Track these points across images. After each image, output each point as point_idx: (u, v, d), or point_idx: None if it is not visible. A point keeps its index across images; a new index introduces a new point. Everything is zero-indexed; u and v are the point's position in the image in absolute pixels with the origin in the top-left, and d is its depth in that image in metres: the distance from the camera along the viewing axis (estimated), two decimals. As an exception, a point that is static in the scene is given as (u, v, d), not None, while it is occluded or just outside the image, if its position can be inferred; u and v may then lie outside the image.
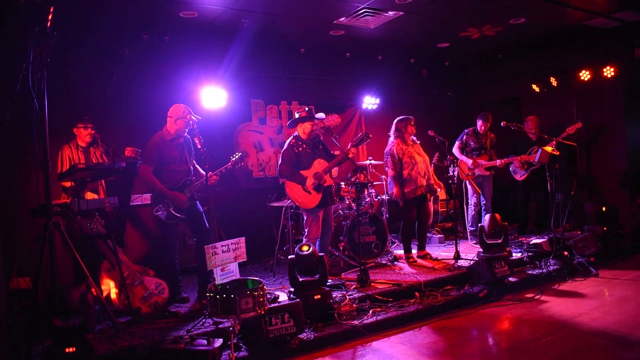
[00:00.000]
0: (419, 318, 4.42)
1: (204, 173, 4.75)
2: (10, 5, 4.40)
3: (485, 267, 5.08)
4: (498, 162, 6.95)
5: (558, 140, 6.55)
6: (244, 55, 6.42)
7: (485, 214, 6.93)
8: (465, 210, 7.22)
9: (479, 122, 7.03)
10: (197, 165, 4.88)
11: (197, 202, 4.74)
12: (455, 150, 7.08)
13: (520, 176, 7.21)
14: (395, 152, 5.75)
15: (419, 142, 5.95)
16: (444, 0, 5.48)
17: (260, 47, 6.68)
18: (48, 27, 3.39)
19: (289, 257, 4.47)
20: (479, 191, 6.84)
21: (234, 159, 4.79)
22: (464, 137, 7.13)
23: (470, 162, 6.92)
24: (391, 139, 5.89)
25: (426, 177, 5.78)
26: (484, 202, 7.01)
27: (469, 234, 7.17)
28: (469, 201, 7.12)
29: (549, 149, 5.99)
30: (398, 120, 5.86)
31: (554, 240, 5.97)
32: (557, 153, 5.95)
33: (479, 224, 5.86)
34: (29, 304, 3.68)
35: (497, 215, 5.78)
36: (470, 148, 7.11)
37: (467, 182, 6.97)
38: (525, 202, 7.58)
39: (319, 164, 5.18)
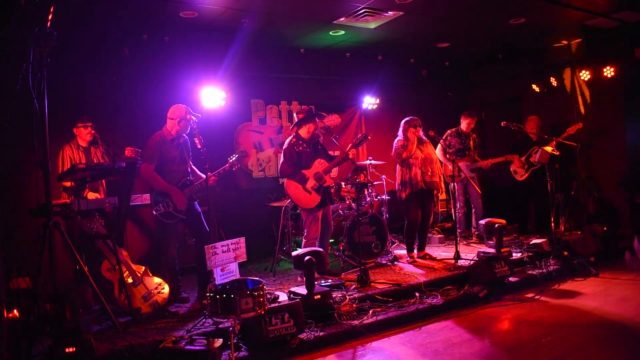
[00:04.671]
0: (419, 318, 4.42)
1: (201, 174, 4.77)
2: (10, 5, 4.40)
3: (485, 267, 5.08)
4: (483, 163, 6.88)
5: (558, 140, 6.55)
6: (244, 55, 6.42)
7: (475, 216, 6.90)
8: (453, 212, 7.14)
9: (466, 121, 6.95)
10: (194, 167, 4.89)
11: (196, 202, 4.75)
12: (439, 152, 6.71)
13: (520, 176, 7.20)
14: (396, 146, 5.82)
15: (426, 139, 5.93)
16: (444, 0, 5.48)
17: (260, 47, 6.68)
18: (48, 27, 3.39)
19: (293, 253, 4.49)
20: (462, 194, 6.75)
21: (231, 160, 4.80)
22: (447, 139, 6.99)
23: (449, 165, 6.54)
24: (399, 136, 5.91)
25: (429, 174, 5.75)
26: (473, 204, 6.94)
27: (458, 236, 7.07)
28: (456, 204, 7.01)
29: (549, 149, 5.99)
30: (404, 121, 5.89)
31: (554, 240, 5.97)
32: (557, 153, 5.95)
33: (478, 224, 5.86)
34: (29, 304, 3.67)
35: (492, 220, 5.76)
36: (453, 149, 6.95)
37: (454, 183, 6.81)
38: (525, 202, 7.57)
39: (320, 164, 5.19)
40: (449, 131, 7.10)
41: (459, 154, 6.96)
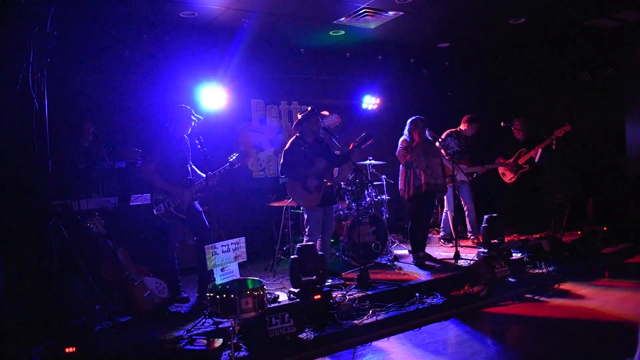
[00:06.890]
0: (419, 318, 4.41)
1: (202, 174, 4.77)
2: (10, 5, 4.40)
3: (485, 267, 5.08)
4: (479, 168, 6.70)
5: (552, 141, 6.45)
6: (244, 55, 6.42)
7: (468, 219, 6.81)
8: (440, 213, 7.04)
9: (473, 125, 6.72)
10: (194, 166, 4.89)
11: (196, 202, 4.76)
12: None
13: (509, 179, 7.05)
14: (401, 147, 5.76)
15: (432, 140, 5.86)
16: (444, 0, 5.48)
17: (260, 47, 6.68)
18: (48, 27, 3.39)
19: (291, 257, 4.48)
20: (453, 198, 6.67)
21: (231, 159, 4.80)
22: (447, 139, 6.73)
23: (449, 166, 6.22)
24: (404, 136, 5.84)
25: (434, 176, 5.72)
26: (467, 207, 6.78)
27: (440, 238, 6.99)
28: (444, 205, 6.85)
29: (547, 149, 5.98)
30: (409, 121, 5.82)
31: (554, 240, 5.97)
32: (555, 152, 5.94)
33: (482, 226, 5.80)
34: (29, 304, 3.68)
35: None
36: (451, 151, 6.64)
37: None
38: (525, 203, 7.56)
39: (321, 164, 5.18)
40: (448, 131, 6.88)
41: (455, 157, 6.66)
